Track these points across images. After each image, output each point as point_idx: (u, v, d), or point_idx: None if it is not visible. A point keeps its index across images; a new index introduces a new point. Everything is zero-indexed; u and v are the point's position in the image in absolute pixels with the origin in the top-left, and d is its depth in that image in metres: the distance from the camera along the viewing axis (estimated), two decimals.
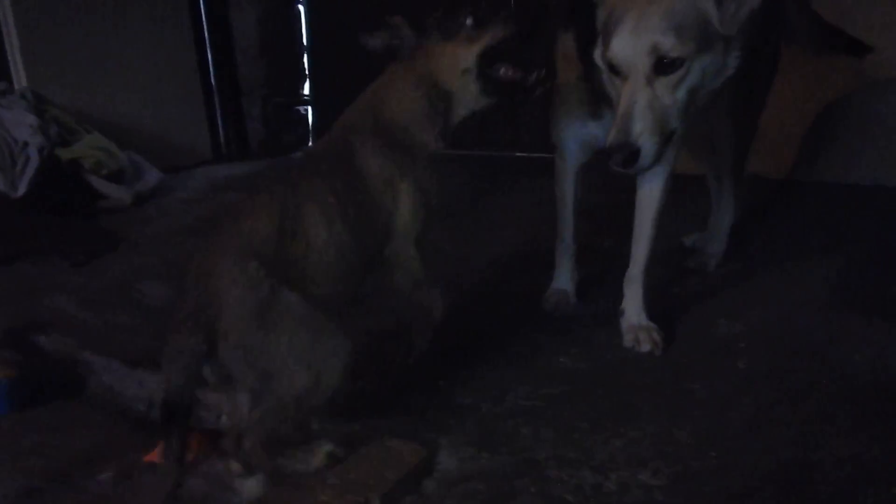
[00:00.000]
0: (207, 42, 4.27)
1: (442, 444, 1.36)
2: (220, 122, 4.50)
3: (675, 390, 1.50)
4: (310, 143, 4.89)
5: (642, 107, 1.42)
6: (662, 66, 1.42)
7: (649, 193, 1.75)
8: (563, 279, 2.01)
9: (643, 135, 1.42)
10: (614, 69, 1.48)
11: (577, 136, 1.83)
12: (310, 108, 4.88)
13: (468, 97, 1.45)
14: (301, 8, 4.67)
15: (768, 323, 1.79)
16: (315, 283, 1.24)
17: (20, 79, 3.36)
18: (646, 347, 1.71)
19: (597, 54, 1.56)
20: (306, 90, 4.85)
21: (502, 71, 1.43)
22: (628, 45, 1.43)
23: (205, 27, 4.24)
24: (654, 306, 1.79)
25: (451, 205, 3.21)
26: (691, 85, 1.46)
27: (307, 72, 4.82)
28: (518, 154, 4.14)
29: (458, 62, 1.42)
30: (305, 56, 4.79)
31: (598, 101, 1.69)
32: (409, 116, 1.42)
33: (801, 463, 1.25)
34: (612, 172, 1.50)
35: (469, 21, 1.42)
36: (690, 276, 2.13)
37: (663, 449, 1.30)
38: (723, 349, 1.69)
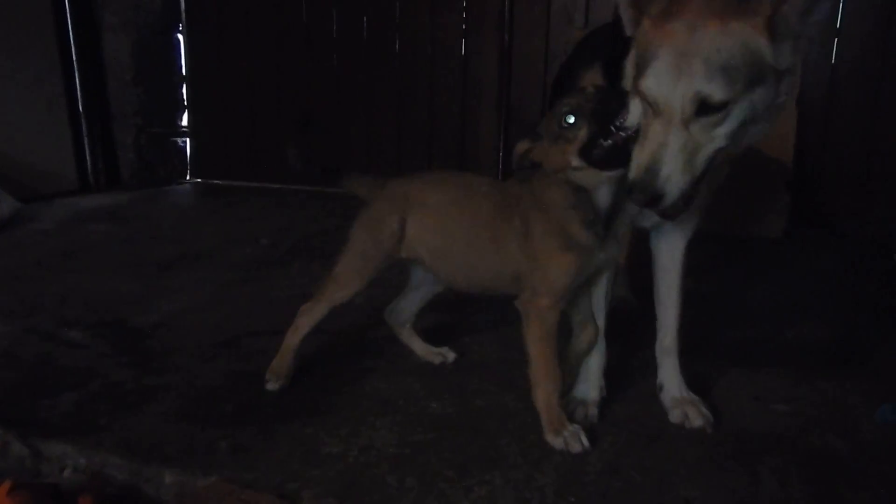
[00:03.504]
0: (76, 67, 4.08)
1: (304, 497, 1.32)
2: (87, 150, 4.28)
3: (539, 436, 1.53)
4: (188, 176, 4.73)
5: (675, 150, 1.29)
6: (705, 108, 1.28)
7: (671, 253, 1.68)
8: (586, 386, 1.67)
9: (670, 180, 1.30)
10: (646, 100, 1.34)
11: None
12: (188, 140, 4.73)
13: (596, 182, 1.46)
14: (180, 37, 4.56)
15: (623, 366, 1.87)
16: None
17: None
18: (698, 423, 1.58)
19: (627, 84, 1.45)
20: (184, 121, 4.71)
21: (605, 145, 1.41)
22: (666, 85, 1.29)
23: (73, 51, 4.04)
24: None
25: (329, 245, 3.19)
26: (736, 122, 1.31)
27: (185, 102, 4.68)
28: None
29: (567, 163, 1.45)
30: (184, 86, 4.66)
31: None
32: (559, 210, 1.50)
33: None
34: None
35: (568, 120, 1.43)
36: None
37: (525, 495, 1.32)
38: None
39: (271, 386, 1.74)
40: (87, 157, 4.29)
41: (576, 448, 1.46)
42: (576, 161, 1.44)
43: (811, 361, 1.95)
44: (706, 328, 2.16)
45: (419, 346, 1.95)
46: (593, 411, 1.62)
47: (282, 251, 3.09)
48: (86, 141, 4.27)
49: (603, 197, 1.48)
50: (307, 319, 1.78)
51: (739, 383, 1.80)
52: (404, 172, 1.82)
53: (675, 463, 1.44)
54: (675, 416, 1.62)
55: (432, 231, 1.68)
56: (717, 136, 1.31)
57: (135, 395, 1.72)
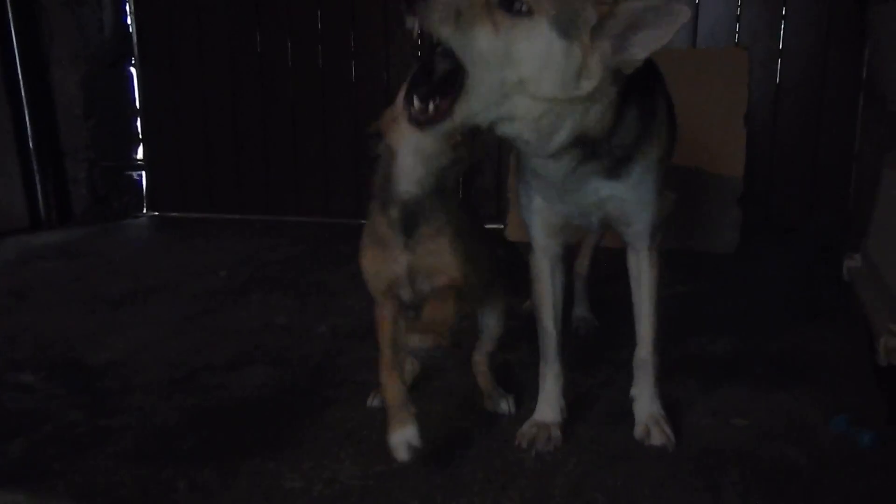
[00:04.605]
0: (24, 102, 4.00)
1: None
2: (38, 186, 4.19)
3: (504, 460, 1.52)
4: (143, 210, 4.66)
5: None
6: None
7: (637, 265, 1.63)
8: (546, 409, 1.65)
9: None
10: None
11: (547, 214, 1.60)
12: (143, 173, 4.67)
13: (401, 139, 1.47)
14: (132, 69, 4.51)
15: (587, 387, 1.88)
16: None
17: None
18: (658, 442, 1.57)
19: None
20: (139, 154, 4.65)
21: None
22: None
23: (21, 85, 3.97)
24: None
25: (288, 274, 3.17)
26: None
27: (139, 135, 4.62)
28: (362, 221, 4.16)
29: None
30: (138, 119, 4.60)
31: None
32: None
33: None
34: None
35: None
36: (524, 344, 2.20)
37: None
38: None
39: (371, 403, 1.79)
40: (39, 194, 4.20)
41: (399, 456, 1.45)
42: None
43: (767, 374, 1.98)
44: (663, 343, 2.19)
45: None
46: (556, 433, 1.60)
47: (240, 282, 3.05)
48: (36, 177, 4.18)
49: (405, 160, 1.44)
50: None
51: (698, 398, 1.83)
52: (360, 197, 1.84)
53: (638, 482, 1.44)
54: (638, 431, 1.62)
55: None
56: None
57: (89, 437, 1.67)
